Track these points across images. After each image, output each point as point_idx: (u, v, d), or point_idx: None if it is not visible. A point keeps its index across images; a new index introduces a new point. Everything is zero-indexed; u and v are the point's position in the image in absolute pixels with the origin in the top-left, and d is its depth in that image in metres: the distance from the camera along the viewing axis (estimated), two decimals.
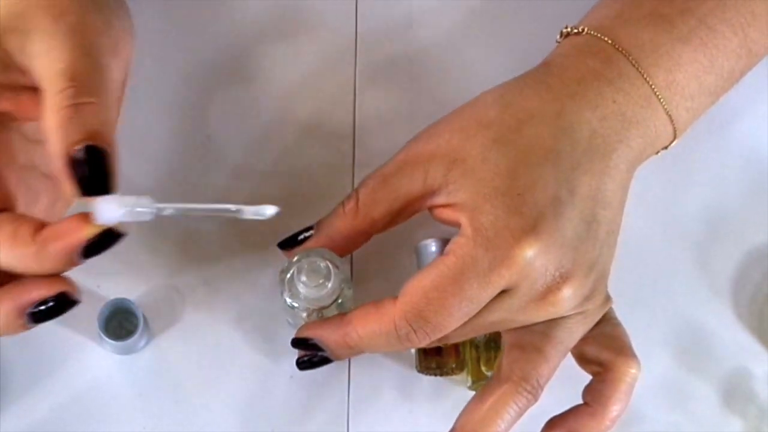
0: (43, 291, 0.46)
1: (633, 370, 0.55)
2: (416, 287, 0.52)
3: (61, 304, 0.47)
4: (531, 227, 0.51)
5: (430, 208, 0.55)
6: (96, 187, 0.46)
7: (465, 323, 0.52)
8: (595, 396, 0.55)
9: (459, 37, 0.66)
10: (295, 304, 0.56)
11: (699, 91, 0.56)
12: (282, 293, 0.56)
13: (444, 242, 0.54)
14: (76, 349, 0.59)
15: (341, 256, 0.56)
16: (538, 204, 0.51)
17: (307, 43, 0.65)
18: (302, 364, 0.57)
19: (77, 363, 0.59)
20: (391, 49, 0.66)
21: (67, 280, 0.47)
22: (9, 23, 0.47)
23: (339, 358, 0.56)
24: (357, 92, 0.65)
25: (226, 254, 0.61)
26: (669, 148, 0.57)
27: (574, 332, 0.54)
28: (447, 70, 0.66)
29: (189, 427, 0.59)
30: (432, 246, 0.57)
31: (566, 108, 0.53)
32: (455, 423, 0.54)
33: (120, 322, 0.59)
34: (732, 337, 0.63)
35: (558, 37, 0.58)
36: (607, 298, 0.55)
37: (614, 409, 0.54)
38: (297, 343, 0.57)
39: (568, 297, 0.52)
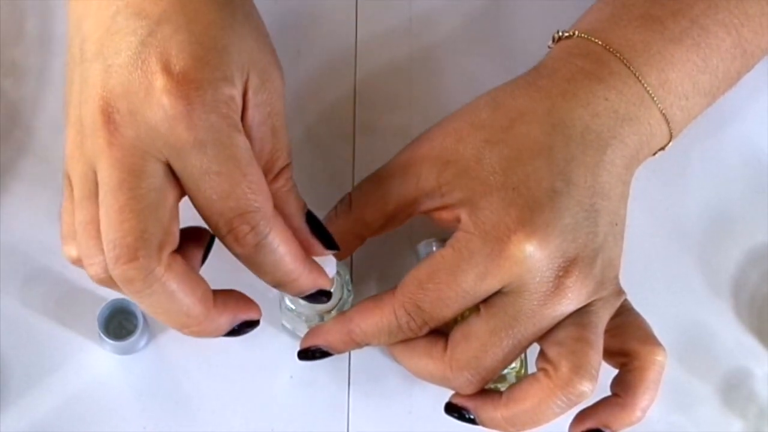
0: (253, 314, 0.52)
1: (659, 358, 0.54)
2: (413, 277, 0.53)
3: (250, 327, 0.53)
4: (528, 219, 0.51)
5: (428, 213, 0.55)
6: (331, 242, 0.53)
7: (503, 348, 0.52)
8: (623, 387, 0.54)
9: (458, 41, 0.66)
10: (297, 309, 0.56)
11: (693, 91, 0.56)
12: (283, 298, 0.56)
13: (444, 243, 0.54)
14: (76, 349, 0.60)
15: (337, 258, 0.56)
16: (534, 196, 0.51)
17: (307, 47, 0.65)
18: (302, 354, 0.57)
19: (77, 363, 0.59)
20: (391, 53, 0.66)
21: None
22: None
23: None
24: (357, 96, 0.65)
25: (225, 254, 0.61)
26: (666, 149, 0.57)
27: (601, 316, 0.53)
28: (446, 74, 0.66)
29: (189, 427, 0.59)
30: (432, 246, 0.57)
31: (557, 106, 0.53)
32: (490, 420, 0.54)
33: (120, 322, 0.59)
34: (732, 337, 0.63)
35: (550, 42, 0.58)
36: (621, 290, 0.55)
37: (644, 398, 0.53)
38: (303, 354, 0.57)
39: (580, 281, 0.52)
